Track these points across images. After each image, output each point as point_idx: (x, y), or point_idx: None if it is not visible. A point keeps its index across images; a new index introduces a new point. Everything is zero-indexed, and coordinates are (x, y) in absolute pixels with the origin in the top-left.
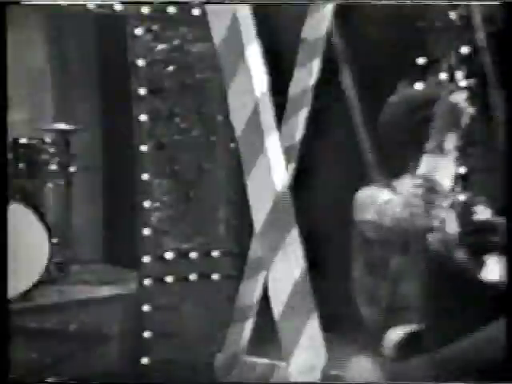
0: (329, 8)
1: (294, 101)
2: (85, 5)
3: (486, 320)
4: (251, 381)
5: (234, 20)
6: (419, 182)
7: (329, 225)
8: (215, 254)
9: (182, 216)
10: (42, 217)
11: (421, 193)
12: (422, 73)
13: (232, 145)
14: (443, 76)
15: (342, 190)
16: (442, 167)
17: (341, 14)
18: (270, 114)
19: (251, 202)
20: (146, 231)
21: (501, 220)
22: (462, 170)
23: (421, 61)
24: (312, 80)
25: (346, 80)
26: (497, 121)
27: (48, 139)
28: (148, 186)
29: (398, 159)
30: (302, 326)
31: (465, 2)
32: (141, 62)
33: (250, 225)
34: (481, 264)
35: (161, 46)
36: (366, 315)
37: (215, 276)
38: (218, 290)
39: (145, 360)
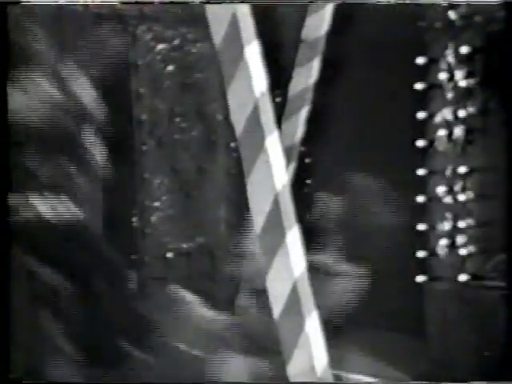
0: (329, 8)
1: (294, 100)
2: (85, 5)
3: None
4: (251, 381)
5: (234, 20)
6: None
7: (329, 224)
8: (216, 253)
9: (183, 215)
10: None
11: None
12: (422, 72)
13: (232, 144)
14: (443, 76)
15: (342, 189)
16: None
17: (341, 13)
18: (269, 113)
19: (251, 202)
20: (147, 231)
21: None
22: (462, 169)
23: (420, 60)
24: (312, 79)
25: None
26: (496, 121)
27: None
28: (148, 185)
29: None
30: (302, 325)
31: (465, 2)
32: (141, 62)
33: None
34: None
35: (161, 46)
36: None
37: (216, 276)
38: (218, 289)
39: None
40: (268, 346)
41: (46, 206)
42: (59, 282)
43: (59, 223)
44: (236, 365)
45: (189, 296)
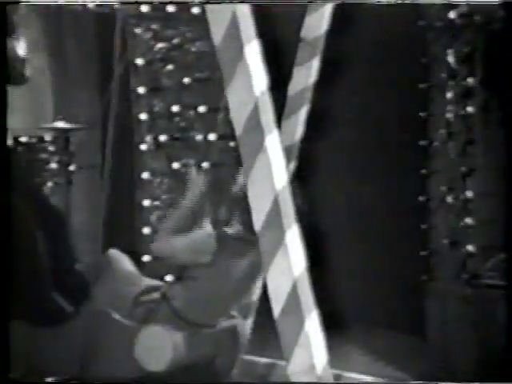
0: (328, 8)
1: (294, 100)
2: (85, 5)
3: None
4: (251, 381)
5: (234, 19)
6: None
7: (329, 223)
8: None
9: None
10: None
11: None
12: (423, 72)
13: (232, 144)
14: (443, 75)
15: (343, 189)
16: None
17: (340, 13)
18: (269, 112)
19: (251, 202)
20: (146, 230)
21: None
22: (463, 168)
23: (421, 60)
24: (311, 79)
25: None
26: (496, 120)
27: (48, 138)
28: (148, 184)
29: None
30: (302, 324)
31: (465, 2)
32: (140, 61)
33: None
34: None
35: (160, 45)
36: None
37: None
38: None
39: None
40: (195, 321)
41: None
42: None
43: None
44: (163, 338)
45: (127, 263)
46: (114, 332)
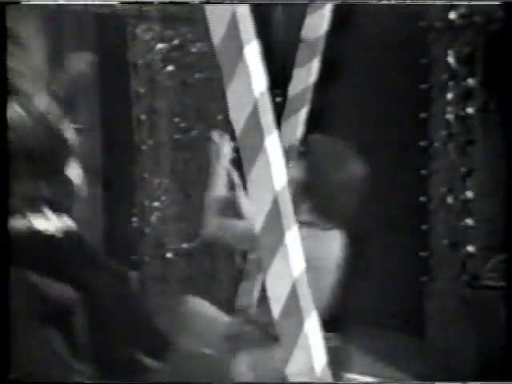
0: (328, 8)
1: (294, 100)
2: (85, 5)
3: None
4: (251, 380)
5: (233, 19)
6: None
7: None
8: (216, 253)
9: (182, 215)
10: None
11: None
12: (423, 73)
13: (232, 144)
14: (443, 76)
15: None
16: None
17: (341, 13)
18: (269, 113)
19: (251, 202)
20: (147, 231)
21: None
22: (463, 169)
23: (421, 61)
24: (311, 79)
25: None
26: (496, 121)
27: None
28: (148, 185)
29: None
30: (301, 325)
31: (465, 2)
32: (141, 62)
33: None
34: None
35: (160, 46)
36: None
37: (216, 275)
38: (218, 289)
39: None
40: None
41: (44, 221)
42: (64, 295)
43: (57, 237)
44: (245, 362)
45: (207, 307)
46: (208, 367)
